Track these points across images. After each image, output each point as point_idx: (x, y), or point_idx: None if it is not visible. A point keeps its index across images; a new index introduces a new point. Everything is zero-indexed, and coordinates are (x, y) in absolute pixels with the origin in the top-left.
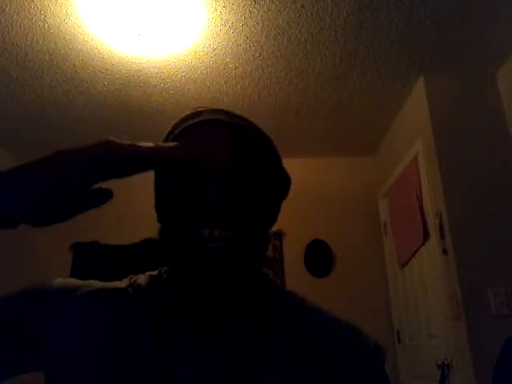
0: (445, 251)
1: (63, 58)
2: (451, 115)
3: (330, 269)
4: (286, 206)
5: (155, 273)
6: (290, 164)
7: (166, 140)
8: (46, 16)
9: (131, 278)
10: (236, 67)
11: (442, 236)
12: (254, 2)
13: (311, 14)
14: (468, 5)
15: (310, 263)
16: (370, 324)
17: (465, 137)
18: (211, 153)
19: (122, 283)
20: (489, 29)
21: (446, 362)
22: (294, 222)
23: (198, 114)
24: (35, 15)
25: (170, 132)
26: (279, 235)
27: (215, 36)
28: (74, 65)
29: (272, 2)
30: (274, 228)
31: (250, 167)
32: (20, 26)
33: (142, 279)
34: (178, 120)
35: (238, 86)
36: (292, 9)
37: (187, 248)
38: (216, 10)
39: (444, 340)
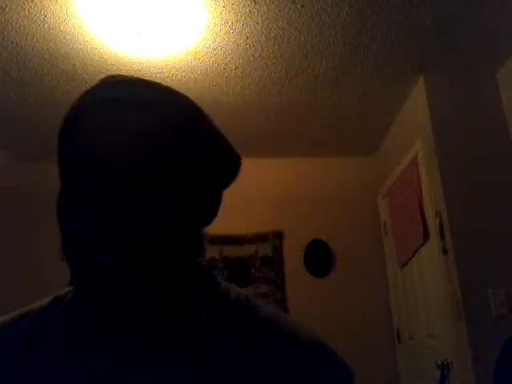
0: (445, 251)
1: (63, 58)
2: (451, 115)
3: (329, 269)
4: (285, 206)
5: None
6: (290, 164)
7: (62, 127)
8: (46, 16)
9: (55, 298)
10: (236, 67)
11: (442, 236)
12: (253, 2)
13: (311, 13)
14: (468, 5)
15: (309, 263)
16: (370, 324)
17: (465, 137)
18: (108, 148)
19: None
20: (489, 29)
21: (445, 362)
22: (294, 222)
23: (101, 88)
24: (35, 15)
25: (68, 117)
26: (279, 235)
27: (215, 36)
28: (73, 65)
29: (272, 2)
30: (274, 228)
31: (167, 157)
32: (20, 26)
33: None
34: (77, 98)
35: (238, 86)
36: (292, 9)
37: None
38: (216, 10)
39: (444, 340)
